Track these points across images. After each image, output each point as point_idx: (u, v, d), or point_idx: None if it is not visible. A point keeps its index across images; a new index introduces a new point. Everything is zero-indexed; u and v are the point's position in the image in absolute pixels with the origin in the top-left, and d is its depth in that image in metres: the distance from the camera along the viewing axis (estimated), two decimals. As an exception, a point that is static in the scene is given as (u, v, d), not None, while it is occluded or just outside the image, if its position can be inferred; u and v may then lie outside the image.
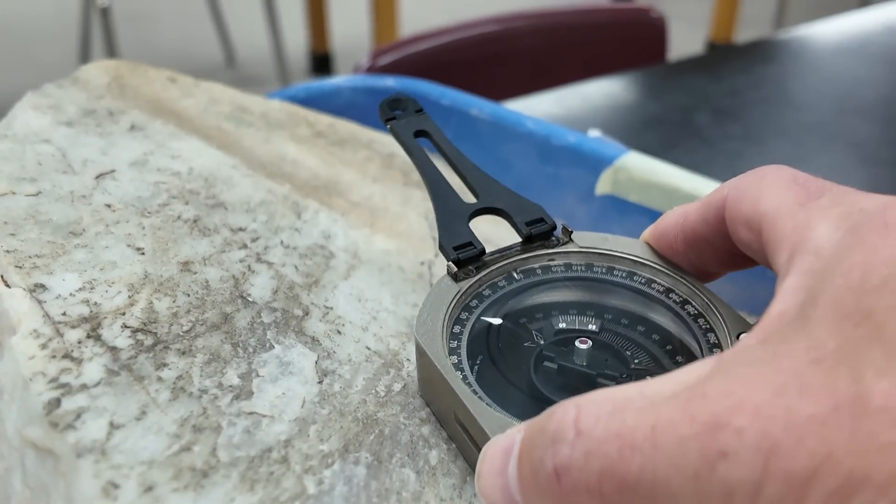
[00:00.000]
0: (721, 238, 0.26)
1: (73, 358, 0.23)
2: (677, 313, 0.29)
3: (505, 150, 0.56)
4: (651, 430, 0.17)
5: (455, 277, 0.29)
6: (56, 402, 0.21)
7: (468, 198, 0.34)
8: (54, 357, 0.23)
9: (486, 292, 0.30)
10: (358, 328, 0.32)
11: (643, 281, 0.30)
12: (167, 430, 0.22)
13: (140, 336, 0.25)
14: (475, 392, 0.25)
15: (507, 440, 0.21)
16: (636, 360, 0.28)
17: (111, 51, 2.11)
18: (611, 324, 0.29)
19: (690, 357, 0.27)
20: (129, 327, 0.25)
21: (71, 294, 0.25)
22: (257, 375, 0.26)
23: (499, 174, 0.56)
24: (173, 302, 0.28)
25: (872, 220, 0.20)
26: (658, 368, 0.27)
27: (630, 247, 0.31)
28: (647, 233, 0.31)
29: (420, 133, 0.36)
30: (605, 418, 0.18)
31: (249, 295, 0.30)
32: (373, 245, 0.39)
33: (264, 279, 0.32)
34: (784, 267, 0.21)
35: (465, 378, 0.26)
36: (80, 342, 0.24)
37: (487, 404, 0.25)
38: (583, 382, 0.27)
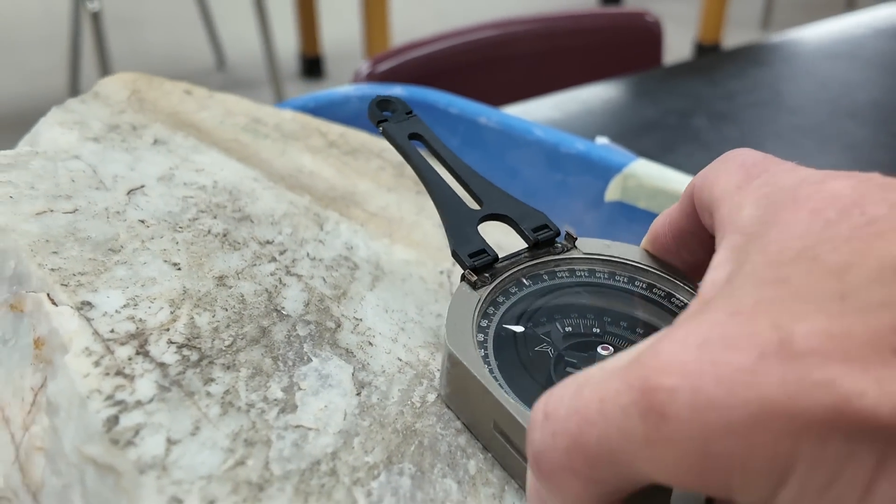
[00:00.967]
0: (702, 228, 0.27)
1: (126, 375, 0.23)
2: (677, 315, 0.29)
3: (512, 157, 0.57)
4: (600, 403, 0.18)
5: (473, 286, 0.30)
6: (114, 420, 0.22)
7: (471, 203, 0.34)
8: (108, 374, 0.23)
9: (500, 299, 0.30)
10: (388, 339, 0.32)
11: (644, 286, 0.31)
12: (220, 445, 0.23)
13: (185, 351, 0.26)
14: (514, 399, 0.26)
15: None
16: None
17: (102, 56, 2.10)
18: (613, 328, 0.30)
19: None
20: (174, 343, 0.26)
21: (116, 311, 0.26)
22: (299, 388, 0.27)
23: (506, 181, 0.57)
24: (213, 317, 0.28)
25: (786, 197, 0.21)
26: None
27: (631, 253, 0.32)
28: (644, 239, 0.32)
29: (413, 136, 0.36)
30: (568, 398, 0.19)
31: (283, 308, 0.31)
32: (393, 255, 0.40)
33: (295, 292, 0.32)
34: (718, 243, 0.23)
35: (501, 385, 0.27)
36: (130, 359, 0.24)
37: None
38: None
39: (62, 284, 0.26)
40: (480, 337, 0.29)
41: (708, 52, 2.65)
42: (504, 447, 0.26)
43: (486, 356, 0.28)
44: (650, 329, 0.30)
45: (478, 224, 0.33)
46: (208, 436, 0.23)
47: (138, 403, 0.23)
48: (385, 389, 0.29)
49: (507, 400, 0.25)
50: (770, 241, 0.20)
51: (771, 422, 0.16)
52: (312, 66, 2.77)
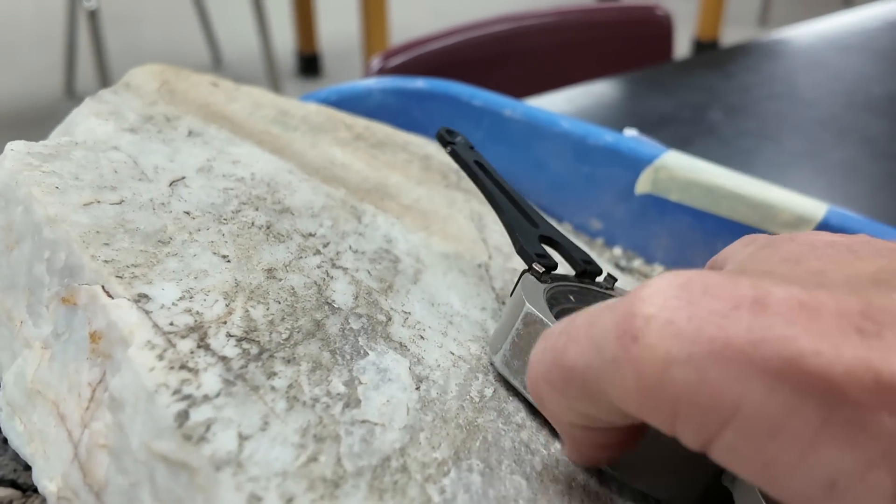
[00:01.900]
0: None
1: (190, 368, 0.23)
2: None
3: (539, 149, 0.56)
4: (588, 326, 0.20)
5: (539, 278, 0.31)
6: (185, 414, 0.21)
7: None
8: (172, 368, 0.22)
9: (552, 302, 0.31)
10: (438, 333, 0.32)
11: None
12: (291, 441, 0.22)
13: (245, 345, 0.25)
14: None
15: None
16: None
17: (99, 54, 2.09)
18: None
19: None
20: (233, 336, 0.25)
21: (173, 304, 0.25)
22: (360, 383, 0.26)
23: (533, 173, 0.56)
24: (267, 310, 0.27)
25: (763, 251, 0.23)
26: None
27: None
28: None
29: (475, 163, 0.38)
30: (565, 322, 0.22)
31: (334, 301, 0.30)
32: (432, 248, 0.39)
33: (343, 285, 0.31)
34: None
35: None
36: (192, 352, 0.23)
37: None
38: None
39: (117, 276, 0.25)
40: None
41: (706, 49, 2.64)
42: None
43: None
44: None
45: (539, 239, 0.35)
46: (278, 431, 0.22)
47: (206, 398, 0.22)
48: (443, 384, 0.28)
49: None
50: (757, 259, 0.22)
51: (727, 361, 0.17)
52: (310, 64, 2.75)
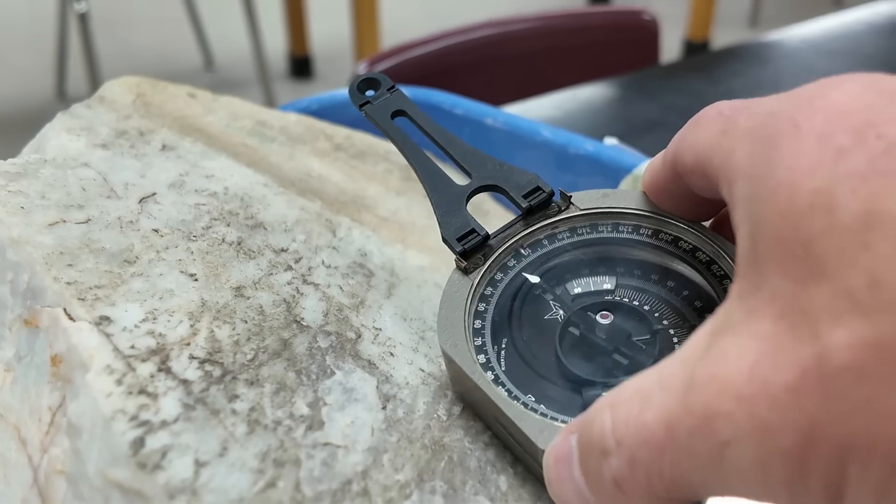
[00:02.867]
0: (690, 192, 0.25)
1: (149, 393, 0.23)
2: (688, 262, 0.28)
3: (520, 159, 0.56)
4: (666, 430, 0.18)
5: (465, 271, 0.29)
6: (140, 442, 0.21)
7: (459, 179, 0.33)
8: (131, 393, 0.22)
9: (498, 276, 0.29)
10: (408, 349, 0.32)
11: (650, 233, 0.29)
12: (250, 466, 0.22)
13: (208, 367, 0.25)
14: (510, 391, 0.26)
15: (563, 447, 0.22)
16: (656, 314, 0.27)
17: (89, 57, 2.08)
18: (625, 280, 0.29)
19: (709, 302, 0.27)
20: (196, 358, 0.25)
21: (136, 326, 0.25)
22: (325, 404, 0.26)
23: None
24: (233, 329, 0.27)
25: (782, 123, 0.19)
26: (681, 321, 0.27)
27: (631, 200, 0.30)
28: (644, 185, 0.29)
29: (397, 113, 0.34)
30: (634, 422, 0.19)
31: (303, 319, 0.30)
32: (407, 262, 0.39)
33: (313, 301, 0.31)
34: (728, 201, 0.21)
35: (497, 379, 0.26)
36: (152, 376, 0.23)
37: (524, 403, 0.25)
38: (608, 357, 0.27)
39: (79, 299, 0.25)
40: (477, 324, 0.28)
41: (697, 51, 2.65)
42: (507, 436, 0.26)
43: (482, 346, 0.27)
44: (665, 275, 0.29)
45: (467, 200, 0.31)
46: (237, 456, 0.22)
47: (164, 423, 0.22)
48: (410, 402, 0.28)
49: (503, 400, 0.25)
50: (778, 183, 0.18)
51: (819, 447, 0.15)
52: (302, 66, 2.75)
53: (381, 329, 0.32)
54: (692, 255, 0.28)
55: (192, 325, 0.26)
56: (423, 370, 0.30)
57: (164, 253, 0.29)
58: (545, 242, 0.30)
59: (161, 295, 0.27)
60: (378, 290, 0.35)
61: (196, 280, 0.29)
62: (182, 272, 0.29)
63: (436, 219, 0.31)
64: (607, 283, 0.29)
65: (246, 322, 0.28)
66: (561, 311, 0.28)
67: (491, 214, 0.50)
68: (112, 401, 0.22)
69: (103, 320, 0.24)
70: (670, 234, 0.29)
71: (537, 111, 0.88)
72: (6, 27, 2.99)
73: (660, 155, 0.27)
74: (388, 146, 0.54)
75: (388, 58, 0.94)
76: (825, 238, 0.16)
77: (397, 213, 0.45)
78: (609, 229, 0.30)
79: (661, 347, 0.26)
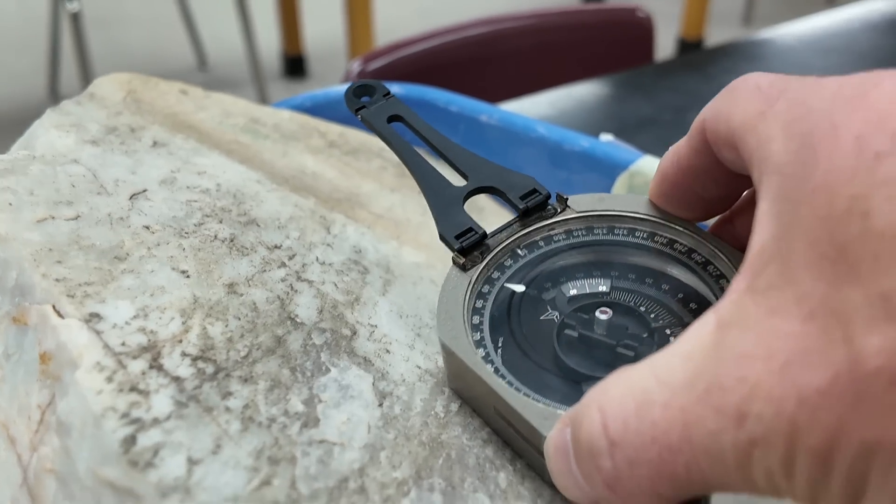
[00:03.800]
0: (716, 164, 0.25)
1: (140, 390, 0.22)
2: (685, 263, 0.29)
3: (515, 155, 0.56)
4: (683, 429, 0.18)
5: (463, 268, 0.29)
6: (132, 440, 0.20)
7: (457, 180, 0.33)
8: (122, 391, 0.22)
9: (495, 275, 0.30)
10: (405, 346, 0.31)
11: (645, 236, 0.30)
12: (244, 464, 0.21)
13: (200, 364, 0.24)
14: (510, 383, 0.26)
15: (560, 438, 0.22)
16: (652, 315, 0.28)
17: (82, 57, 2.07)
18: (620, 282, 0.29)
19: (704, 304, 0.27)
20: (188, 355, 0.24)
21: (126, 323, 0.25)
22: (320, 401, 0.25)
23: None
24: (226, 326, 0.27)
25: (821, 122, 0.18)
26: (677, 322, 0.27)
27: (627, 204, 0.30)
28: (653, 181, 0.29)
29: (393, 118, 0.35)
30: (634, 421, 0.19)
31: (297, 316, 0.29)
32: (402, 258, 0.39)
33: (308, 298, 0.31)
34: (756, 187, 0.21)
35: (496, 370, 0.26)
36: (143, 373, 0.23)
37: (525, 393, 0.25)
38: (606, 353, 0.27)
39: (68, 295, 0.24)
40: (476, 319, 0.28)
41: (691, 48, 2.65)
42: (507, 429, 0.26)
43: (481, 340, 0.27)
44: (658, 278, 0.29)
45: (464, 200, 0.32)
46: (230, 454, 0.21)
47: (155, 421, 0.21)
48: (407, 399, 0.28)
49: (503, 388, 0.25)
50: (816, 186, 0.17)
51: (845, 447, 0.16)
52: (295, 66, 2.74)
53: (376, 326, 0.32)
54: (688, 257, 0.29)
55: (184, 322, 0.26)
56: (419, 367, 0.30)
57: (156, 249, 0.29)
58: (541, 244, 0.30)
59: (152, 292, 0.27)
60: (373, 287, 0.35)
61: (188, 277, 0.28)
62: (174, 269, 0.28)
63: (433, 218, 0.31)
64: (602, 286, 0.29)
65: (239, 319, 0.27)
66: (556, 313, 0.28)
67: (486, 211, 0.50)
68: (102, 398, 0.21)
69: (93, 317, 0.24)
70: (666, 237, 0.29)
71: (532, 109, 0.88)
72: (-3, 28, 2.97)
73: (673, 146, 0.27)
74: (380, 143, 0.53)
75: (381, 56, 0.94)
76: (860, 243, 0.16)
77: (392, 210, 0.44)
78: (604, 231, 0.30)
79: (659, 343, 0.26)
